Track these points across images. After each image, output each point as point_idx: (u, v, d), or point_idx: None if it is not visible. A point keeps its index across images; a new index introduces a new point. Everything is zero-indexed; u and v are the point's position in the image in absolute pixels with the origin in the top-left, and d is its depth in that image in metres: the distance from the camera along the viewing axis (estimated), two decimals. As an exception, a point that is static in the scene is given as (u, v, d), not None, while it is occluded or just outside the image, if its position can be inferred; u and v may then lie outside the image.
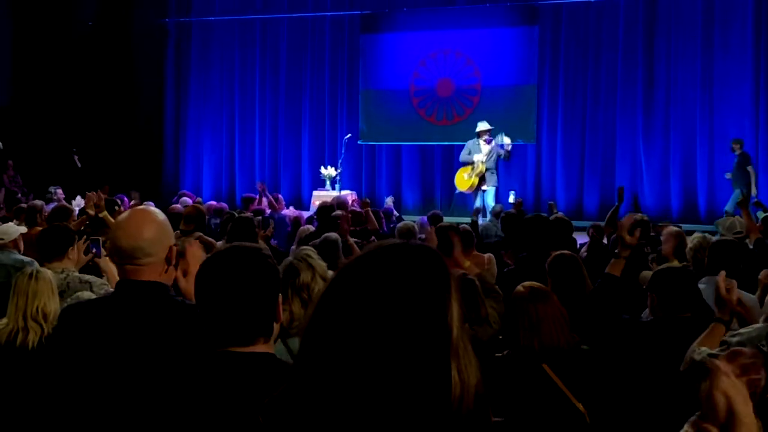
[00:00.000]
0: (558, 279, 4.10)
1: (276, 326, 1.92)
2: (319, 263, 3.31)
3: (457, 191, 12.91)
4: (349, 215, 7.33)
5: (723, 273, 3.20)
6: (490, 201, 11.99)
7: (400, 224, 7.06)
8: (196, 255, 2.66)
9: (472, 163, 12.25)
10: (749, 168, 12.32)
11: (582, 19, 14.09)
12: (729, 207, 12.02)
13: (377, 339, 1.09)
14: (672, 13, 13.58)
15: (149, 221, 2.35)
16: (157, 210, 2.48)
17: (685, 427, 1.51)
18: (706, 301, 3.87)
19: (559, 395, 3.09)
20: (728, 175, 12.58)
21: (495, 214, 9.75)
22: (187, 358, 1.94)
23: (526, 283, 3.35)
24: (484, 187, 12.07)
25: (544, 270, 4.26)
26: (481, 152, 12.17)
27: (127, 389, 2.16)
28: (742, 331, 3.11)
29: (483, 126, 12.30)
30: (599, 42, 14.00)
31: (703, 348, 3.08)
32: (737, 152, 12.44)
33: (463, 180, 12.42)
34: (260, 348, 1.86)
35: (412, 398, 1.08)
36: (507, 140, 12.23)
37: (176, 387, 1.83)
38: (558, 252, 4.34)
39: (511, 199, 11.99)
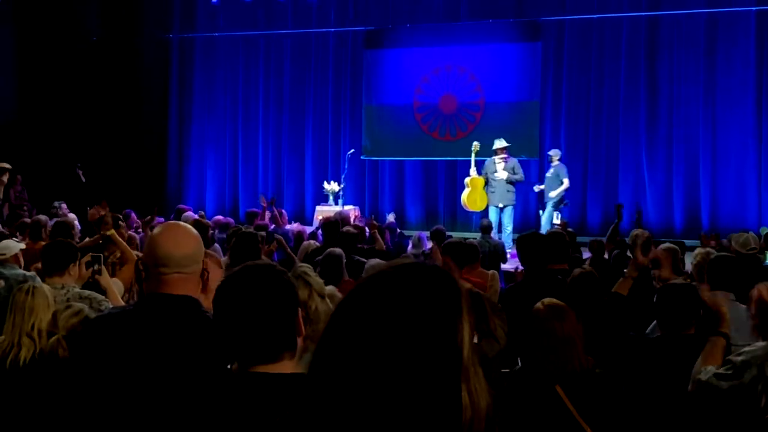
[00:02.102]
0: (578, 296, 4.04)
1: (299, 340, 1.92)
2: (316, 280, 3.30)
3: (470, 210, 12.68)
4: (357, 231, 7.30)
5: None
6: (507, 220, 11.89)
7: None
8: (215, 271, 2.68)
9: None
10: (565, 179, 12.36)
11: (585, 35, 14.12)
12: (546, 223, 12.08)
13: (388, 360, 1.07)
14: (675, 29, 13.61)
15: (192, 234, 2.43)
16: (189, 226, 2.54)
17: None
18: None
19: (568, 418, 3.03)
20: (538, 188, 12.66)
21: (483, 229, 9.48)
22: (215, 373, 1.96)
23: (545, 300, 3.27)
24: (500, 204, 11.96)
25: (545, 286, 4.23)
26: (497, 171, 12.03)
27: (152, 402, 2.16)
28: (747, 349, 3.08)
29: (500, 143, 12.11)
30: (602, 58, 14.03)
31: (710, 367, 3.05)
32: (554, 163, 12.53)
33: (475, 202, 12.25)
34: (287, 365, 1.87)
35: (423, 421, 1.07)
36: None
37: (202, 402, 1.84)
38: (579, 269, 4.30)
39: (556, 219, 11.89)
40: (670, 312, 3.64)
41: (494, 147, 12.13)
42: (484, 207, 12.20)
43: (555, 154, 12.63)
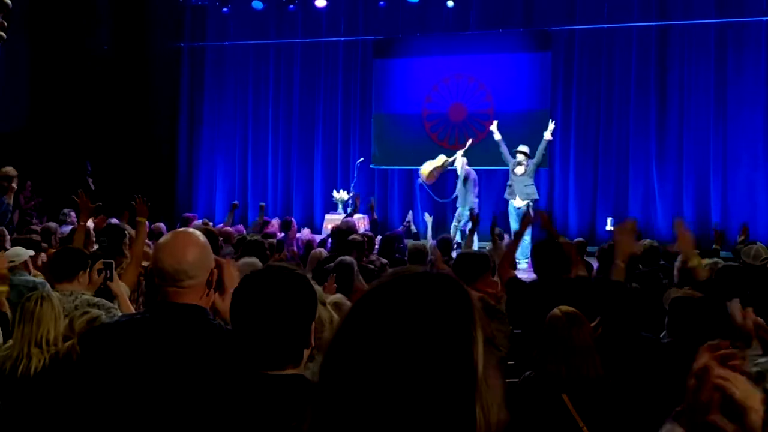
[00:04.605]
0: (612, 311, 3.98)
1: (306, 352, 1.89)
2: (316, 288, 3.26)
3: (420, 180, 13.46)
4: (365, 239, 7.29)
5: (737, 300, 3.15)
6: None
7: (410, 245, 6.97)
8: (233, 275, 2.65)
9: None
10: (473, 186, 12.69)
11: (595, 44, 14.12)
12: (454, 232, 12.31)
13: (402, 376, 1.03)
14: (685, 39, 13.60)
15: (192, 244, 2.35)
16: (199, 232, 2.47)
17: (667, 426, 1.47)
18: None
19: (574, 428, 3.00)
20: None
21: (497, 237, 9.39)
22: (222, 381, 1.92)
23: (562, 308, 3.23)
24: (520, 204, 12.01)
25: (558, 295, 4.19)
26: (516, 170, 12.18)
27: (158, 410, 2.15)
28: (762, 360, 3.04)
29: (523, 148, 12.27)
30: (612, 67, 14.03)
31: None
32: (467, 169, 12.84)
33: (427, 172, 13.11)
34: (290, 372, 1.85)
35: None
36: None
37: (208, 409, 1.82)
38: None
39: (609, 226, 11.88)
40: (682, 325, 3.61)
41: (518, 149, 12.27)
42: (431, 179, 13.07)
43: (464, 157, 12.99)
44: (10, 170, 8.19)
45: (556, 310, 3.21)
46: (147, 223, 5.28)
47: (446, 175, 13.61)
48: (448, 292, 1.10)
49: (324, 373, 1.10)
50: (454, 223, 12.67)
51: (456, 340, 1.06)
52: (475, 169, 12.83)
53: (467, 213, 12.47)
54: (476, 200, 12.68)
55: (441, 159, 13.12)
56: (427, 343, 1.04)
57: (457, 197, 12.86)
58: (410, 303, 1.07)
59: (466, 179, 12.58)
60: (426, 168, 13.13)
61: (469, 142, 13.11)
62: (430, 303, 1.08)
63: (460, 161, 12.75)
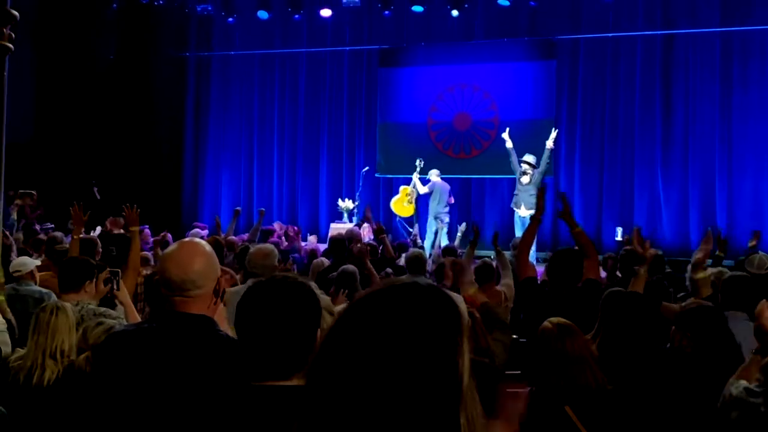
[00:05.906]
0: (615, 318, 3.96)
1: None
2: (323, 297, 3.27)
3: (398, 218, 13.96)
4: (368, 247, 7.30)
5: (764, 302, 3.11)
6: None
7: (408, 253, 6.98)
8: (226, 288, 2.63)
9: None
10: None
11: (600, 53, 14.13)
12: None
13: (384, 386, 1.04)
14: (690, 47, 13.59)
15: (198, 253, 2.35)
16: (204, 242, 2.47)
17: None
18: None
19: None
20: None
21: (515, 246, 9.35)
22: (228, 391, 1.92)
23: (553, 319, 3.21)
24: (525, 213, 12.03)
25: (570, 304, 4.17)
26: (521, 179, 12.23)
27: (167, 420, 2.14)
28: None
29: (529, 158, 12.32)
30: (617, 76, 14.02)
31: (741, 381, 3.00)
32: (434, 178, 13.20)
33: (403, 207, 13.67)
34: (296, 382, 1.84)
35: None
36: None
37: (214, 419, 1.82)
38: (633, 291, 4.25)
39: (619, 236, 11.89)
40: (700, 333, 3.60)
41: (523, 159, 12.35)
42: (407, 215, 13.64)
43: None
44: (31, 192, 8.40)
45: (546, 323, 3.19)
46: (139, 230, 5.31)
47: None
48: (434, 302, 1.11)
49: (310, 380, 1.11)
50: (428, 234, 13.00)
51: (441, 351, 1.07)
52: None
53: (436, 222, 12.86)
54: (446, 209, 12.99)
55: (402, 191, 13.78)
56: (411, 352, 1.05)
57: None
58: (396, 312, 1.08)
59: (431, 193, 13.11)
60: (396, 207, 13.84)
61: (418, 162, 13.39)
62: (415, 313, 1.09)
63: (417, 183, 13.32)
